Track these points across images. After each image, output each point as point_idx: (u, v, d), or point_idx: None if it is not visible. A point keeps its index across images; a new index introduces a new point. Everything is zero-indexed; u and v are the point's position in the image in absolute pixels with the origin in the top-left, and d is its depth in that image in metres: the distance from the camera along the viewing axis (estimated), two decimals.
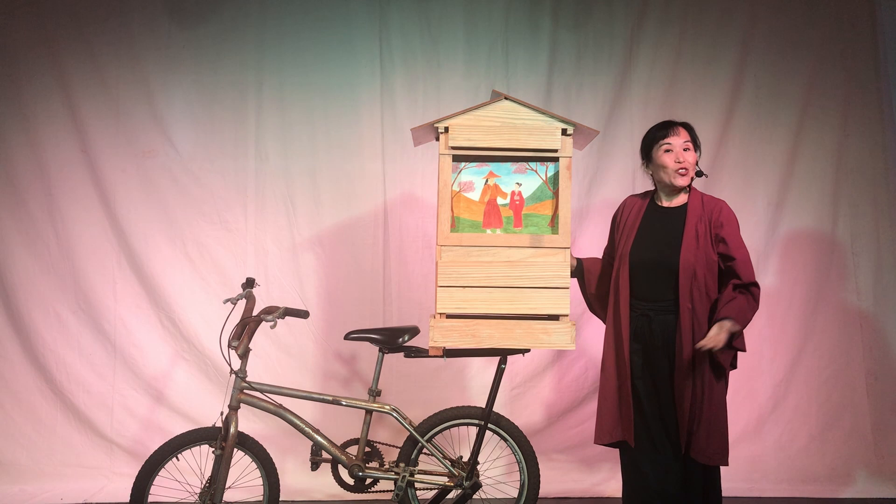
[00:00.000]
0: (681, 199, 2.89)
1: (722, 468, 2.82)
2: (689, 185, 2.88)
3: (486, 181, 2.78)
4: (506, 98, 2.73)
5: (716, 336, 2.65)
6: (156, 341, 3.99)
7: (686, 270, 2.74)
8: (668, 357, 2.78)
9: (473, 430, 3.17)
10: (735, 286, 2.76)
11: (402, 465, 3.08)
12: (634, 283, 2.84)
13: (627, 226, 2.94)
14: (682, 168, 2.81)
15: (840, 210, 4.14)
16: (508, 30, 4.09)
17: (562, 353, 4.03)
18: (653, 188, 3.01)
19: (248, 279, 3.24)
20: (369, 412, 3.11)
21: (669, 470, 2.79)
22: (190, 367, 3.99)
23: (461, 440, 3.39)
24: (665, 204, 2.91)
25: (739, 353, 2.83)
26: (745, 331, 3.94)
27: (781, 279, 4.11)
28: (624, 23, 4.11)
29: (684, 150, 2.81)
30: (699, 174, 2.89)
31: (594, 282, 3.04)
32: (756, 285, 2.78)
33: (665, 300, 2.79)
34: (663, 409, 2.79)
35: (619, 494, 3.06)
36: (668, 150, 2.82)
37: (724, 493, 2.87)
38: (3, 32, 3.96)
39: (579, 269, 3.03)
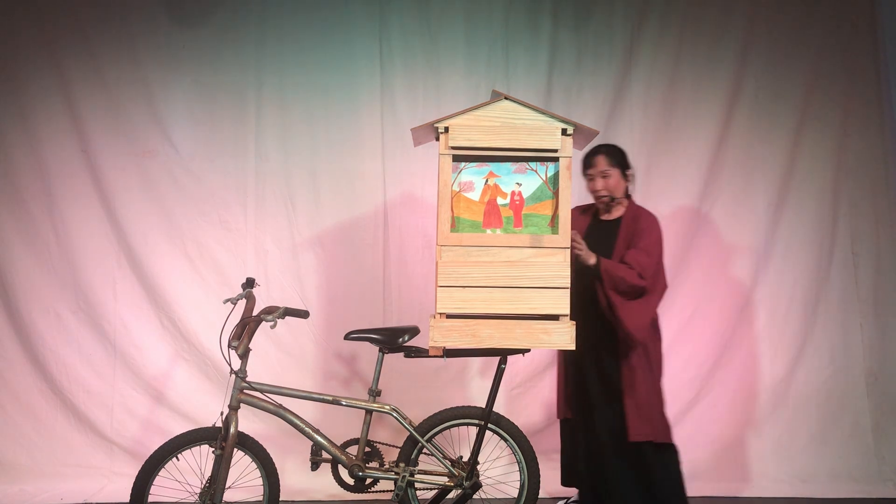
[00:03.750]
0: (617, 211, 3.21)
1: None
2: (628, 198, 3.21)
3: (486, 181, 2.78)
4: (506, 98, 2.73)
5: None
6: (156, 341, 3.98)
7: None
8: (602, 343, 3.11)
9: (473, 431, 3.16)
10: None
11: (402, 465, 3.08)
12: (581, 285, 3.05)
13: None
14: (598, 195, 3.19)
15: (840, 210, 4.14)
16: (508, 30, 4.09)
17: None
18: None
19: (248, 279, 3.23)
20: (369, 412, 3.11)
21: (605, 444, 3.06)
22: (190, 367, 3.99)
23: (461, 440, 3.38)
24: (604, 217, 3.26)
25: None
26: (744, 330, 4.00)
27: (781, 279, 4.11)
28: (624, 23, 4.11)
29: (602, 177, 3.16)
30: (611, 199, 3.17)
31: None
32: (643, 280, 2.97)
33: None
34: (602, 388, 3.10)
35: None
36: (590, 179, 3.21)
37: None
38: (3, 32, 3.96)
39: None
